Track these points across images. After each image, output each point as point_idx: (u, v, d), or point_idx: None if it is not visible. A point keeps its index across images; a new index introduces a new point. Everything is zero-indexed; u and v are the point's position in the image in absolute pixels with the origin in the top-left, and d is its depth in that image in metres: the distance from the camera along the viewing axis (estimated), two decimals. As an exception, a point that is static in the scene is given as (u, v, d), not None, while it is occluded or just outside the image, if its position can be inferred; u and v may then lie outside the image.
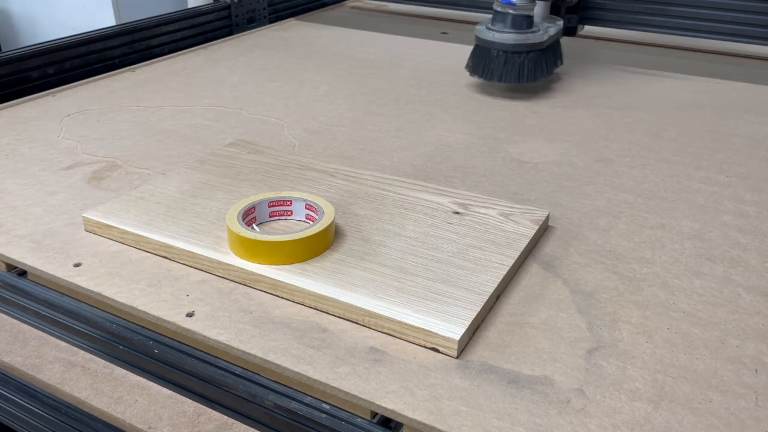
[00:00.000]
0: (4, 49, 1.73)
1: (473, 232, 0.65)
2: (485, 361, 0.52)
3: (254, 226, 0.64)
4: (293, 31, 1.45)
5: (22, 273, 0.65)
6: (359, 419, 0.49)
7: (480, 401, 0.48)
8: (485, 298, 0.56)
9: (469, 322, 0.53)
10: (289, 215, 0.66)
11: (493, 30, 1.03)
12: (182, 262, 0.62)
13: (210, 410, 0.53)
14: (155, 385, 0.55)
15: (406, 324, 0.53)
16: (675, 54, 1.33)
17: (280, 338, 0.54)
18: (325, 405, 0.50)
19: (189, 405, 0.53)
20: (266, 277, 0.58)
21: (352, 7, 1.69)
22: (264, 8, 1.49)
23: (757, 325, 0.57)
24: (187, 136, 0.90)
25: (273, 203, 0.65)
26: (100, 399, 0.54)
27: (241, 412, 0.52)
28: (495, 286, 0.57)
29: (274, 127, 0.94)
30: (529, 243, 0.64)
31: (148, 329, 0.57)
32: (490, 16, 1.05)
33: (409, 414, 0.47)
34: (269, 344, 0.53)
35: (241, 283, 0.60)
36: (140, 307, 0.57)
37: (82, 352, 0.58)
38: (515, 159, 0.87)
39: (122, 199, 0.69)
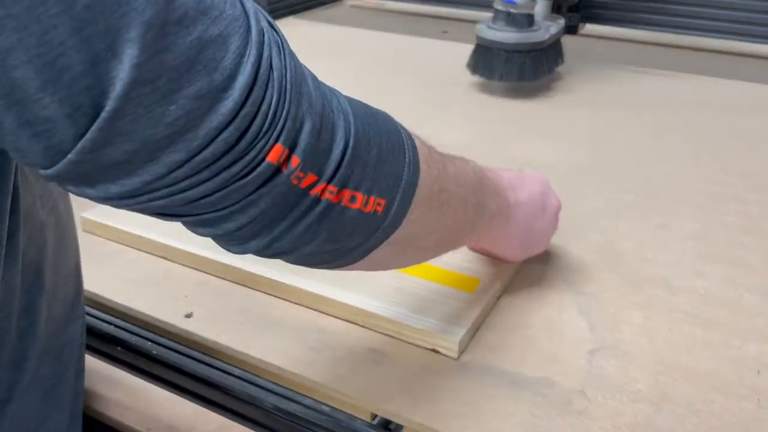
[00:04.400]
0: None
1: (474, 232, 0.65)
2: (485, 362, 0.52)
3: None
4: (292, 30, 1.45)
5: (21, 273, 0.65)
6: (359, 421, 0.49)
7: (480, 403, 0.48)
8: (486, 299, 0.56)
9: (470, 323, 0.53)
10: None
11: (494, 29, 1.03)
12: (181, 262, 0.62)
13: (209, 412, 0.53)
14: (153, 386, 0.55)
15: (406, 325, 0.53)
16: (676, 53, 1.32)
17: (279, 339, 0.53)
18: (324, 406, 0.50)
19: (188, 406, 0.53)
20: (265, 277, 0.58)
21: (352, 6, 1.69)
22: (263, 6, 1.49)
23: (760, 326, 0.56)
24: (187, 136, 0.90)
25: None
26: (98, 401, 0.53)
27: (240, 414, 0.52)
28: (495, 287, 0.57)
29: (274, 127, 0.94)
30: (529, 243, 0.64)
31: (147, 330, 0.57)
32: (491, 14, 1.05)
33: (409, 415, 0.47)
34: (268, 345, 0.53)
35: (240, 284, 0.59)
36: (138, 308, 0.57)
37: (80, 352, 0.58)
38: (515, 159, 0.86)
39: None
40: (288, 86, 0.31)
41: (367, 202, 0.35)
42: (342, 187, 0.33)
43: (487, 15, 1.07)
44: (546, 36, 1.04)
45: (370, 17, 1.59)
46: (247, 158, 0.30)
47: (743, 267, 0.64)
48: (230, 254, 0.59)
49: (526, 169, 0.59)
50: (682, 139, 0.93)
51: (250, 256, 0.61)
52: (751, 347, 0.54)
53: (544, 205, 0.57)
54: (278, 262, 0.59)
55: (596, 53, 1.31)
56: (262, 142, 0.30)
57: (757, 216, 0.73)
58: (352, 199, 0.34)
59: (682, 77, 1.17)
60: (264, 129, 0.30)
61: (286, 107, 0.30)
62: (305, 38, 1.39)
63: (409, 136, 0.39)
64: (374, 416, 0.49)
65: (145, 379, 0.55)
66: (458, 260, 0.60)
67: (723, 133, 0.95)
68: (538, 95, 1.08)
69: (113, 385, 0.55)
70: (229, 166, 0.30)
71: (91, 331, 0.58)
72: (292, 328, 0.55)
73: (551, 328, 0.55)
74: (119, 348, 0.56)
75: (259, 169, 0.30)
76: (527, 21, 1.02)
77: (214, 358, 0.54)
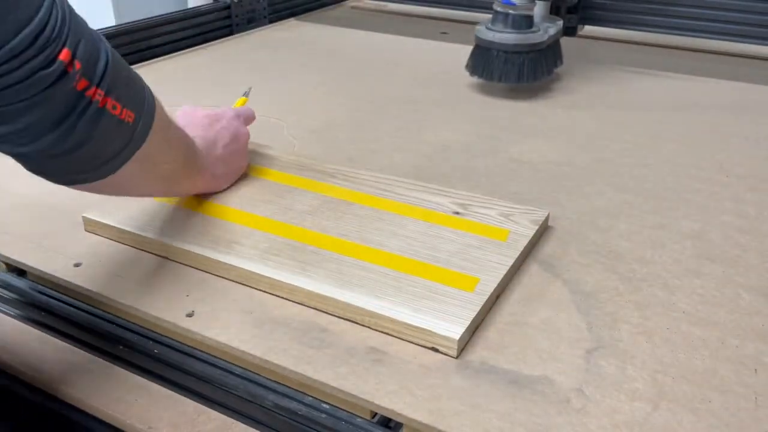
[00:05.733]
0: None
1: (473, 232, 0.65)
2: (485, 361, 0.52)
3: None
4: (293, 31, 1.45)
5: (22, 273, 0.65)
6: (359, 419, 0.49)
7: (480, 401, 0.48)
8: (485, 298, 0.56)
9: (469, 322, 0.53)
10: None
11: (493, 30, 1.03)
12: (182, 261, 0.62)
13: (210, 410, 0.53)
14: (155, 385, 0.55)
15: (406, 324, 0.53)
16: (675, 54, 1.33)
17: (280, 338, 0.54)
18: (324, 405, 0.50)
19: (189, 405, 0.53)
20: (266, 276, 0.58)
21: (352, 7, 1.69)
22: (264, 8, 1.49)
23: (757, 325, 0.57)
24: (187, 136, 0.90)
25: None
26: (99, 399, 0.54)
27: (241, 412, 0.52)
28: (495, 286, 0.57)
29: (274, 127, 0.94)
30: (528, 243, 0.64)
31: (148, 329, 0.57)
32: (490, 16, 1.05)
33: (409, 414, 0.47)
34: (269, 344, 0.53)
35: (241, 283, 0.60)
36: (140, 307, 0.57)
37: (82, 352, 0.58)
38: (515, 159, 0.87)
39: (122, 199, 0.69)
40: (68, 9, 0.43)
41: (122, 112, 0.46)
42: (107, 93, 0.44)
43: (486, 16, 1.07)
44: (545, 37, 1.04)
45: (371, 18, 1.59)
46: (45, 53, 0.40)
47: (741, 266, 0.64)
48: (231, 253, 0.61)
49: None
50: (681, 139, 0.93)
51: (251, 255, 0.61)
52: (749, 346, 0.54)
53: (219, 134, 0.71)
54: (278, 262, 0.59)
55: (595, 54, 1.31)
56: (55, 43, 0.41)
57: (754, 216, 0.73)
58: (114, 107, 0.45)
59: (681, 78, 1.18)
60: (55, 33, 0.41)
61: (68, 23, 0.42)
62: (306, 40, 1.39)
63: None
64: (374, 414, 0.50)
65: (146, 378, 0.55)
66: (458, 260, 0.60)
67: (721, 133, 0.95)
68: (537, 96, 1.08)
69: (115, 383, 0.55)
70: (32, 58, 0.40)
71: (93, 330, 0.58)
72: (292, 326, 0.55)
73: (550, 327, 0.56)
74: (121, 347, 0.57)
75: (55, 65, 0.41)
76: (526, 22, 1.03)
77: (215, 356, 0.55)
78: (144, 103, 0.50)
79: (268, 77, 1.15)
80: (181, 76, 1.15)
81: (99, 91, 0.44)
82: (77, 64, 0.42)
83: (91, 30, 0.46)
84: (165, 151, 0.56)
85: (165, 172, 0.58)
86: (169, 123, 0.56)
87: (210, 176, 0.67)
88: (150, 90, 0.52)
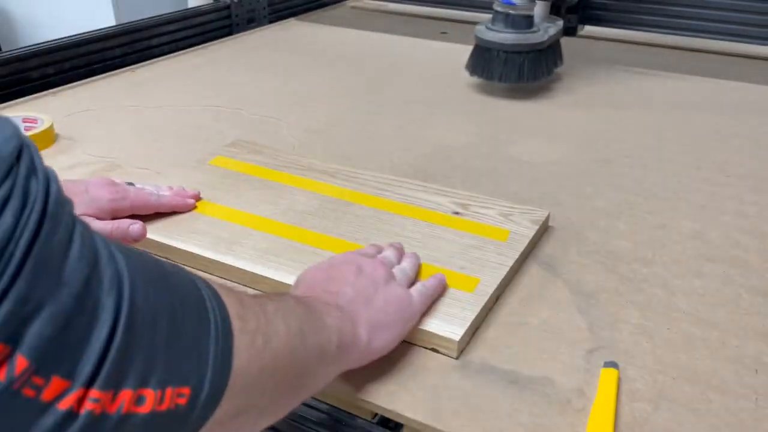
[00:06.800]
0: (4, 49, 1.73)
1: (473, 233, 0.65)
2: (485, 362, 0.52)
3: None
4: (293, 31, 1.45)
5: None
6: (359, 419, 0.49)
7: (480, 402, 0.48)
8: (485, 298, 0.56)
9: (469, 323, 0.53)
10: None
11: (493, 30, 1.03)
12: (182, 262, 0.62)
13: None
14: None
15: (406, 324, 0.53)
16: (675, 54, 1.33)
17: (280, 339, 0.53)
18: (325, 405, 0.50)
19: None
20: (266, 277, 0.58)
21: (352, 7, 1.69)
22: (264, 8, 1.49)
23: (758, 325, 0.56)
24: (187, 137, 0.90)
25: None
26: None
27: (240, 413, 0.52)
28: (495, 286, 0.57)
29: (274, 127, 0.94)
30: (529, 243, 0.64)
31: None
32: (490, 16, 1.05)
33: (409, 414, 0.47)
34: (269, 345, 0.53)
35: (242, 284, 0.60)
36: (140, 308, 0.57)
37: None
38: (515, 159, 0.87)
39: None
40: (18, 252, 0.22)
41: (162, 398, 0.26)
42: (116, 388, 0.25)
43: (486, 16, 1.07)
44: (545, 37, 1.04)
45: (370, 19, 1.59)
46: None
47: (741, 267, 0.64)
48: (232, 254, 0.60)
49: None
50: (681, 139, 0.93)
51: (251, 256, 0.61)
52: (749, 346, 0.54)
53: (372, 280, 0.50)
54: (278, 263, 0.59)
55: (595, 54, 1.31)
56: None
57: (755, 216, 0.73)
58: (138, 400, 0.25)
59: (681, 78, 1.18)
60: None
61: (3, 282, 0.22)
62: (306, 40, 1.39)
63: (214, 293, 0.32)
64: (374, 415, 0.49)
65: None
66: (458, 260, 0.60)
67: (721, 133, 0.95)
68: (537, 96, 1.08)
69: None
70: None
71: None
72: (292, 327, 0.55)
73: (550, 328, 0.55)
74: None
75: None
76: (526, 22, 1.03)
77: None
78: (208, 355, 0.29)
79: (268, 77, 1.15)
80: (181, 76, 1.15)
81: (94, 393, 0.24)
82: (20, 363, 0.22)
83: (97, 263, 0.25)
84: (269, 377, 0.35)
85: (273, 396, 0.36)
86: (267, 330, 0.35)
87: (363, 344, 0.46)
88: (219, 303, 0.31)
